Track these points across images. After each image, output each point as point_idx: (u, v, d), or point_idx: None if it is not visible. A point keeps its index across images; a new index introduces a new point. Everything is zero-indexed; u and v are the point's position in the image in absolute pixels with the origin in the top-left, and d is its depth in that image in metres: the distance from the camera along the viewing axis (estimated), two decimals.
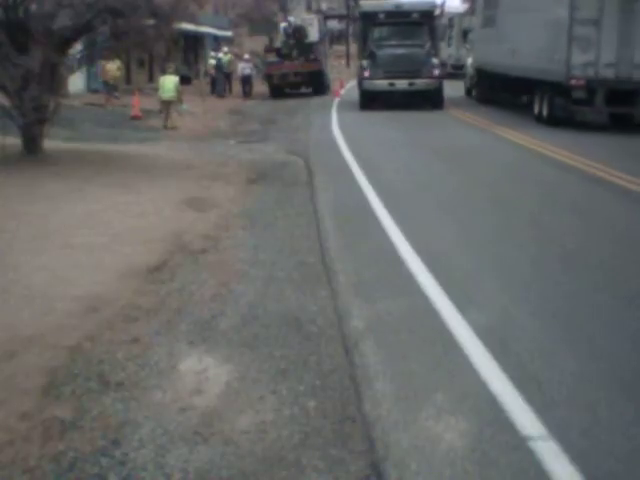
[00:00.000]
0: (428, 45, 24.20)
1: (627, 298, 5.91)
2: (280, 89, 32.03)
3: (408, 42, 23.78)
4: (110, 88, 23.49)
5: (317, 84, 32.54)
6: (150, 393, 4.27)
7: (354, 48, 58.04)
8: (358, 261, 7.04)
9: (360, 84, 24.14)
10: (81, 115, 19.58)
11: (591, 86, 16.60)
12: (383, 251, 7.31)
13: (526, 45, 19.09)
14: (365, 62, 23.98)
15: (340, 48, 58.89)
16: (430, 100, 23.21)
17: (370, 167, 12.31)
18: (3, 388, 4.25)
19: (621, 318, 5.47)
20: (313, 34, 33.08)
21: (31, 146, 12.56)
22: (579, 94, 16.87)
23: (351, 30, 58.59)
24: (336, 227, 8.42)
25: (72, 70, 14.80)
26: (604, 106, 17.06)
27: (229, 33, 45.79)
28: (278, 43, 33.46)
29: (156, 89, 21.01)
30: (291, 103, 28.28)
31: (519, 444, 3.70)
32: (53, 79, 12.54)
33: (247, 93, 32.39)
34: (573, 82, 16.61)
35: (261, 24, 47.35)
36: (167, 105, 20.07)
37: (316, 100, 29.03)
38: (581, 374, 4.52)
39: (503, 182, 11.15)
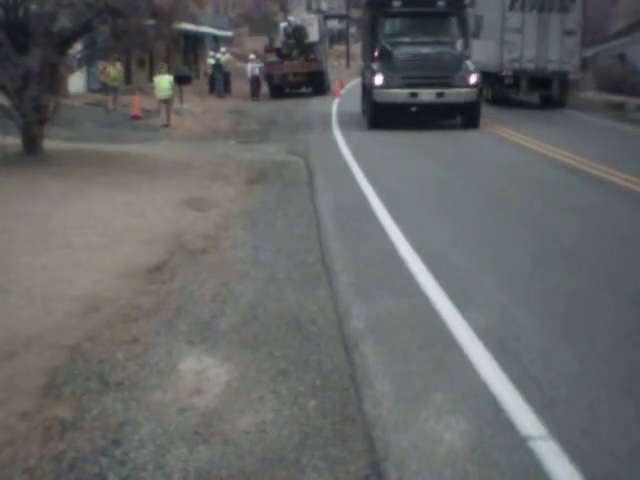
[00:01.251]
0: (460, 43, 18.73)
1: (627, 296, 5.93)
2: (280, 89, 32.05)
3: (433, 39, 18.37)
4: (110, 89, 23.52)
5: (317, 84, 32.57)
6: (150, 393, 4.27)
7: (355, 48, 57.98)
8: (358, 261, 7.04)
9: (369, 94, 18.40)
10: (81, 115, 19.57)
11: (517, 75, 23.53)
12: (383, 251, 7.31)
13: (483, 47, 24.99)
14: (376, 65, 18.34)
15: (340, 48, 58.90)
16: (464, 116, 18.37)
17: (368, 164, 12.32)
18: (3, 388, 4.25)
19: (622, 317, 5.47)
20: (313, 34, 33.09)
21: (31, 146, 12.56)
22: (509, 81, 23.73)
23: (354, 28, 58.45)
24: (336, 227, 8.42)
25: (72, 70, 14.80)
26: (528, 90, 24.14)
27: (229, 33, 45.77)
28: (278, 43, 33.45)
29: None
30: (291, 104, 28.27)
31: (519, 444, 3.70)
32: (53, 79, 12.54)
33: (256, 93, 32.25)
34: (504, 72, 23.46)
35: (261, 24, 47.38)
36: (165, 103, 20.50)
37: (316, 100, 29.02)
38: (581, 374, 4.52)
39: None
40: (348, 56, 54.87)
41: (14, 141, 12.41)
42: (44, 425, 3.84)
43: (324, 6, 66.38)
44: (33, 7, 12.37)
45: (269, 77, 32.17)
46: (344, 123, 19.95)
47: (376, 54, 18.76)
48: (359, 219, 8.75)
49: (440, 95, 17.58)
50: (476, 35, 25.36)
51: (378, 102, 17.92)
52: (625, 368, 4.60)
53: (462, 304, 5.64)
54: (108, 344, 4.91)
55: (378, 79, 17.78)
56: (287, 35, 32.61)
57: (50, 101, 12.50)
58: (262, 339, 5.07)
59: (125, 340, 4.99)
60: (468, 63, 18.21)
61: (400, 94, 17.63)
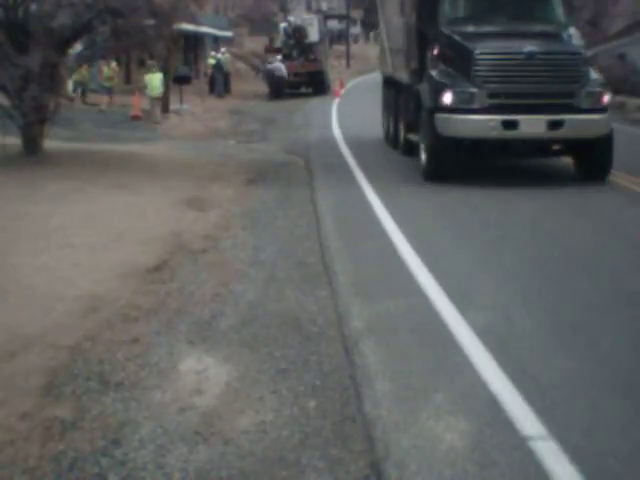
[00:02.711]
0: (574, 36, 11.43)
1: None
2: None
3: (532, 28, 11.48)
4: (106, 90, 23.59)
5: (317, 84, 32.64)
6: (150, 393, 4.26)
7: (355, 48, 58.12)
8: (358, 261, 7.04)
9: (429, 122, 10.83)
10: (81, 115, 19.57)
11: None
12: (383, 250, 7.31)
13: None
14: (438, 72, 11.06)
15: (340, 48, 58.94)
16: (587, 160, 11.04)
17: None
18: (3, 388, 4.24)
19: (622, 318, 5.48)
20: (313, 34, 33.18)
21: (31, 146, 12.56)
22: None
23: (354, 28, 58.21)
24: (336, 227, 8.42)
25: (72, 70, 14.81)
26: None
27: (229, 33, 45.75)
28: (278, 43, 33.52)
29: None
30: (291, 104, 28.27)
31: (519, 444, 3.69)
32: (53, 79, 12.54)
33: (280, 93, 31.98)
34: None
35: (261, 24, 47.41)
36: (157, 102, 21.21)
37: (316, 100, 29.02)
38: (581, 374, 4.52)
39: None
40: (348, 56, 54.93)
41: (14, 141, 12.40)
42: (44, 425, 3.84)
43: (324, 6, 66.45)
44: (33, 7, 12.38)
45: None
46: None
47: (435, 52, 11.33)
48: (358, 217, 8.73)
49: (555, 125, 10.44)
50: None
51: (445, 136, 10.63)
52: (625, 368, 4.60)
53: None
54: (108, 344, 4.91)
55: (446, 97, 10.60)
56: (287, 35, 32.71)
57: (50, 101, 12.50)
58: (262, 339, 5.06)
59: (125, 340, 4.98)
60: (592, 71, 11.26)
61: (486, 123, 10.47)
